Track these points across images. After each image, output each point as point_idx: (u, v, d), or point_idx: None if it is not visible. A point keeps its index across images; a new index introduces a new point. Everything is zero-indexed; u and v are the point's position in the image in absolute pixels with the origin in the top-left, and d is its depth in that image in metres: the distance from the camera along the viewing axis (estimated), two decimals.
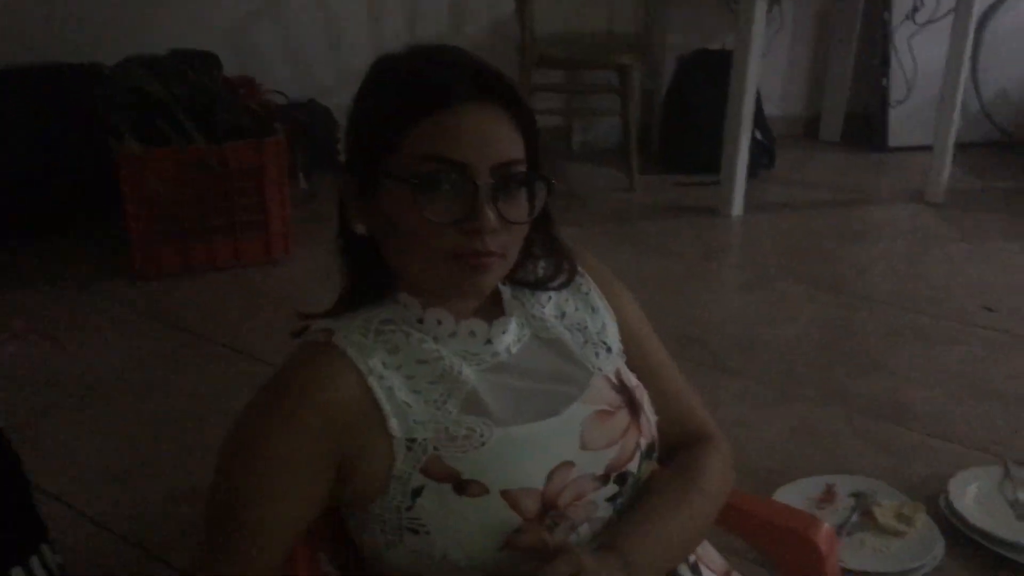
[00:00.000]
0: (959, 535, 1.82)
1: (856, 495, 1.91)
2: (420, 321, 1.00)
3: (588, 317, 1.09)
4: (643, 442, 1.04)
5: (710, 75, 3.77)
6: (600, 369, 1.05)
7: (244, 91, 3.13)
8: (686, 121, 3.90)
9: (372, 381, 0.94)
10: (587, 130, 4.18)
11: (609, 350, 1.07)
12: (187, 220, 2.85)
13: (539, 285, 1.08)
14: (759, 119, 3.66)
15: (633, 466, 1.02)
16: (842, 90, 4.29)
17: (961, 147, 3.61)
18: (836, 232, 3.37)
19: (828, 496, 1.91)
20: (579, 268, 1.11)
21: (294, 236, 3.02)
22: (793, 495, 1.90)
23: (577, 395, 1.01)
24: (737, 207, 3.44)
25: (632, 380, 1.08)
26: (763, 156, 3.88)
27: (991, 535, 1.78)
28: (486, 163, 0.92)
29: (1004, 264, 3.10)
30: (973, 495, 1.90)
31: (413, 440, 0.93)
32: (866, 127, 4.25)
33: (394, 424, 0.93)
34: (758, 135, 3.70)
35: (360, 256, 1.03)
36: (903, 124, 4.12)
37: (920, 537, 1.80)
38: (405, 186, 0.91)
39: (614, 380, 1.05)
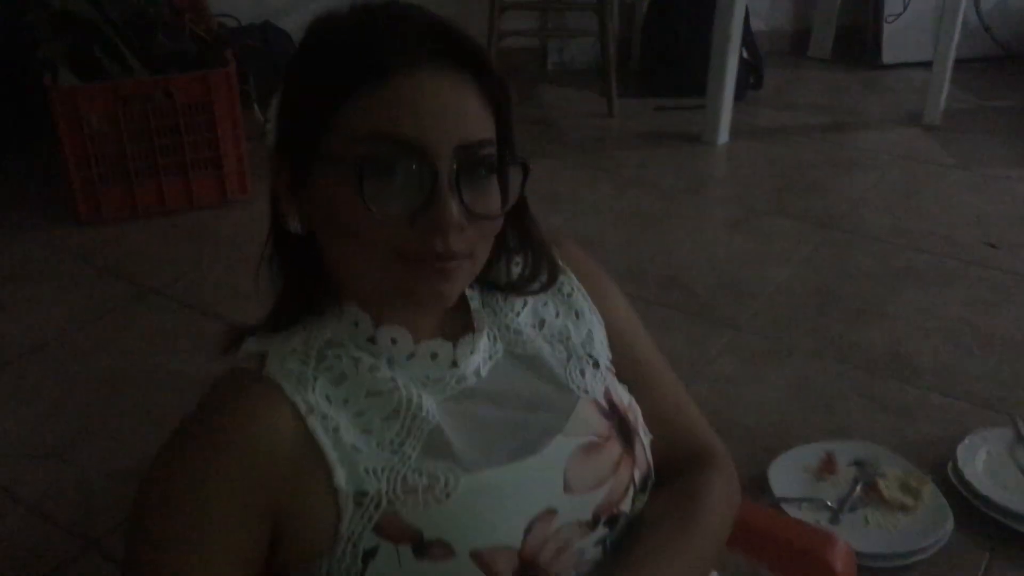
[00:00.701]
0: (968, 506, 1.69)
1: (858, 464, 1.78)
2: (371, 340, 0.83)
3: (571, 325, 0.92)
4: (637, 475, 0.88)
5: None
6: (586, 391, 0.88)
7: (190, 15, 2.86)
8: (668, 39, 3.66)
9: (313, 421, 0.77)
10: (562, 50, 3.93)
11: (596, 365, 0.91)
12: (132, 160, 2.63)
13: (514, 289, 0.90)
14: (746, 36, 3.43)
15: (626, 504, 0.87)
16: (833, 2, 4.04)
17: (958, 63, 3.40)
18: (828, 160, 3.19)
19: (828, 466, 1.77)
20: (560, 263, 0.94)
21: (251, 174, 2.80)
22: (791, 466, 1.77)
23: (560, 426, 0.85)
24: (723, 134, 3.24)
25: (624, 398, 0.91)
26: (750, 76, 3.67)
27: (1004, 507, 1.66)
28: (448, 143, 0.73)
29: (1005, 194, 2.93)
30: (983, 462, 1.77)
31: (364, 494, 0.76)
32: (859, 42, 4.03)
33: (340, 475, 0.76)
34: (744, 53, 3.48)
35: (297, 259, 0.85)
36: (898, 39, 3.89)
37: (928, 512, 1.67)
38: (346, 171, 0.73)
39: (603, 403, 0.89)
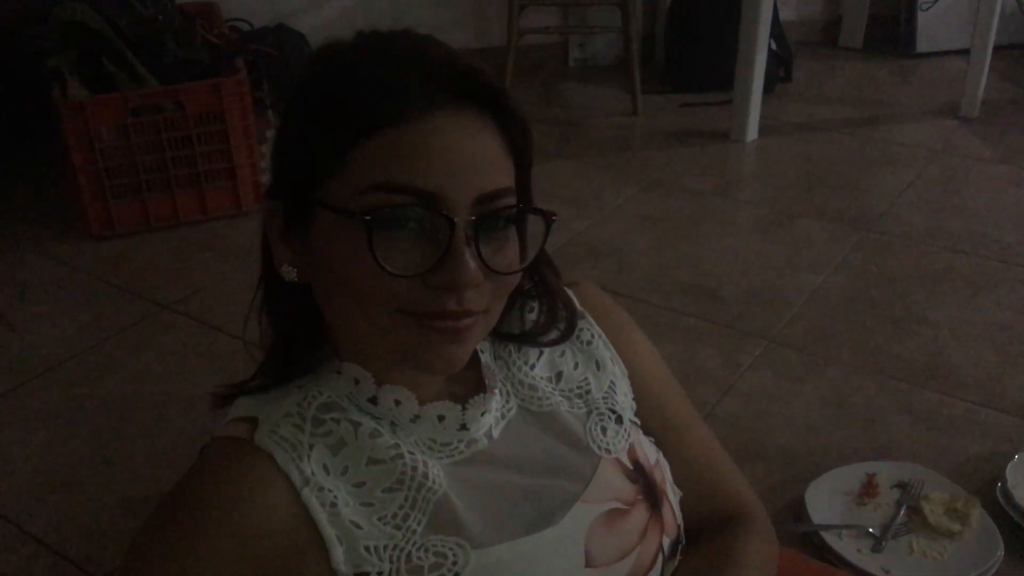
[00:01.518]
0: (1019, 531, 1.60)
1: (901, 486, 1.68)
2: (372, 401, 0.75)
3: (591, 377, 0.84)
4: (666, 541, 0.80)
5: None
6: (609, 451, 0.80)
7: (203, 21, 2.80)
8: (693, 32, 3.55)
9: (308, 495, 0.70)
10: (584, 46, 3.83)
11: (620, 420, 0.82)
12: (144, 172, 2.57)
13: (528, 339, 0.83)
14: (775, 26, 3.32)
15: (654, 574, 0.79)
16: None
17: (996, 51, 3.26)
18: (862, 157, 3.07)
19: (869, 489, 1.68)
20: (579, 308, 0.86)
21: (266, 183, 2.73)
22: (829, 489, 1.68)
23: (579, 491, 0.77)
24: (752, 131, 3.13)
25: (651, 456, 0.83)
26: (779, 68, 3.55)
27: None
28: (466, 194, 0.66)
29: None
30: None
31: (364, 575, 0.69)
32: (892, 31, 3.90)
33: (338, 555, 0.70)
34: (773, 45, 3.36)
35: (290, 309, 0.78)
36: (933, 27, 3.76)
37: (976, 538, 1.57)
38: (353, 223, 0.66)
39: (627, 463, 0.81)
